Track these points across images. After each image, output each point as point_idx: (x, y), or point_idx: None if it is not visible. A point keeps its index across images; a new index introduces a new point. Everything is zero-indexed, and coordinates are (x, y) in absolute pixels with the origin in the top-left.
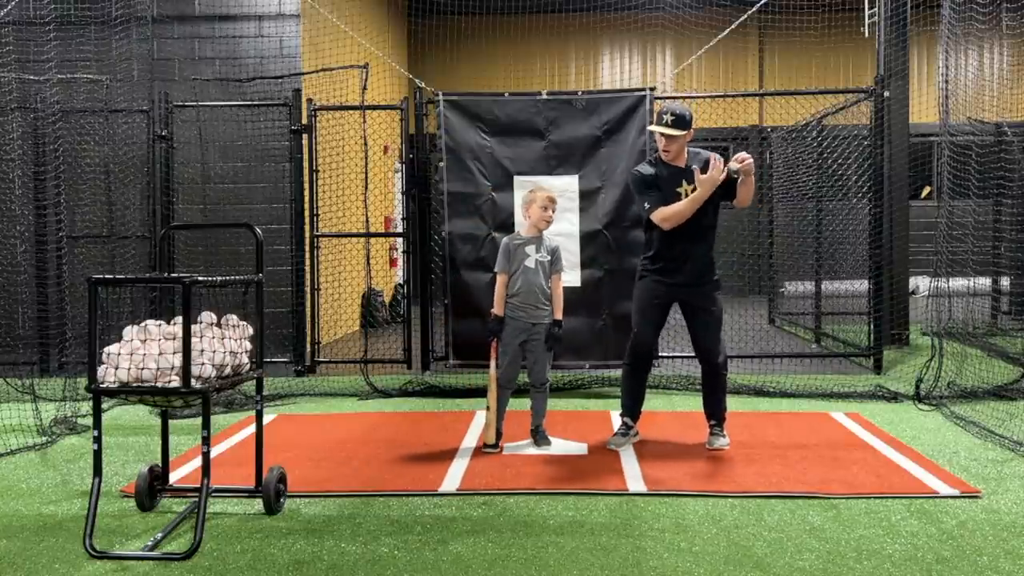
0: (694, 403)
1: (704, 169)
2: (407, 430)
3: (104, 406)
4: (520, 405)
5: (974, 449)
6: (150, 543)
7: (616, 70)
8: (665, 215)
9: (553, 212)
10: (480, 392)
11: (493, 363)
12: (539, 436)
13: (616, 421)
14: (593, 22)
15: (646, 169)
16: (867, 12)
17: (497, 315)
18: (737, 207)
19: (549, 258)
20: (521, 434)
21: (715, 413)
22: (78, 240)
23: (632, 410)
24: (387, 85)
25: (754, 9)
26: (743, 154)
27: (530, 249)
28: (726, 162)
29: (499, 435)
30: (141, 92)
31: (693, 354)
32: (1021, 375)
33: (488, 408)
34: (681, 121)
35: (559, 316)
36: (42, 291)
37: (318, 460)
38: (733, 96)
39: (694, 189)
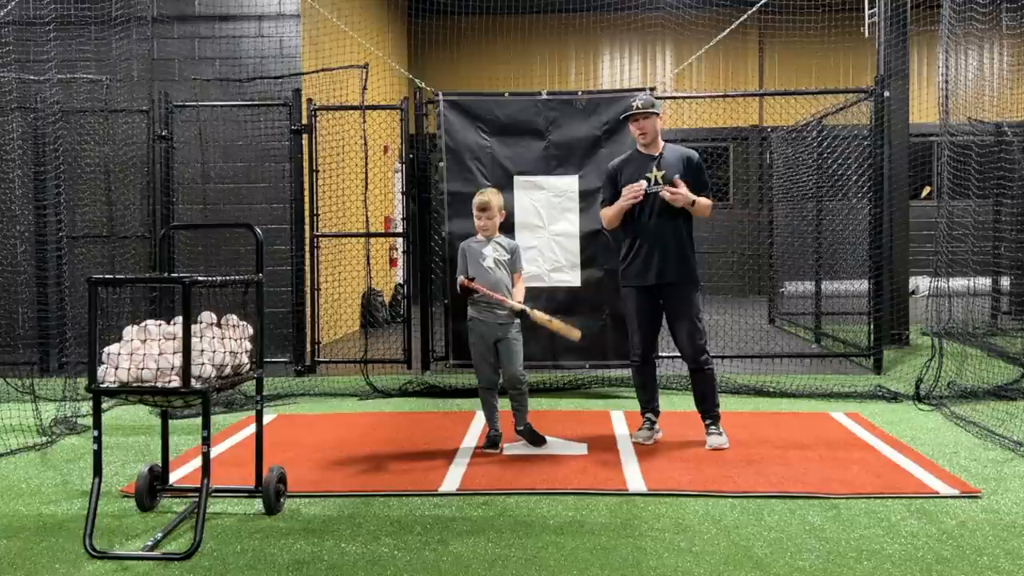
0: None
1: (680, 168)
2: (407, 430)
3: (104, 406)
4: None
5: (974, 449)
6: (150, 543)
7: (616, 70)
8: (603, 215)
9: (488, 220)
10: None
11: (494, 296)
12: (529, 435)
13: (616, 421)
14: (593, 22)
15: (614, 162)
16: (867, 12)
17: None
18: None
19: (509, 256)
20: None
21: (708, 412)
22: (78, 240)
23: (649, 404)
24: (387, 85)
25: (754, 9)
26: (675, 191)
27: (487, 250)
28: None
29: (499, 436)
30: (141, 92)
31: None
32: (1021, 375)
33: (550, 320)
34: (651, 103)
35: (519, 305)
36: (42, 291)
37: (318, 460)
38: (733, 96)
39: (663, 175)
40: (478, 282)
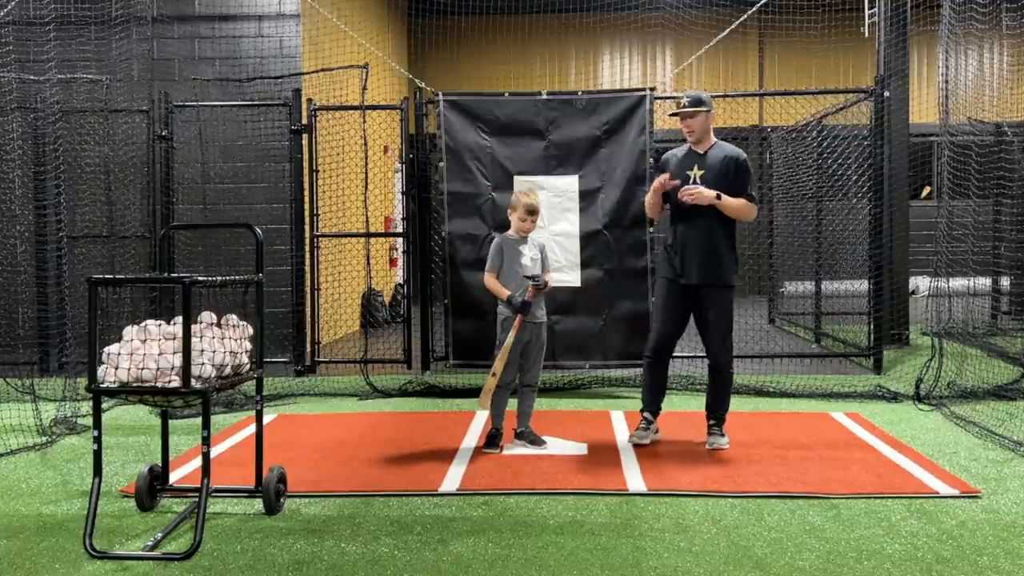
0: (694, 403)
1: (719, 169)
2: (407, 430)
3: (104, 406)
4: (512, 404)
5: (974, 449)
6: (150, 543)
7: (616, 70)
8: (646, 201)
9: (533, 223)
10: (479, 392)
11: (513, 333)
12: (531, 437)
13: (616, 421)
14: (593, 22)
15: (666, 154)
16: (867, 12)
17: (507, 296)
18: None
19: (540, 256)
20: None
21: (715, 412)
22: (78, 240)
23: (651, 404)
24: (387, 85)
25: (754, 9)
26: (690, 190)
27: (524, 248)
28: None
29: (500, 435)
30: (141, 92)
31: (693, 354)
32: (1021, 375)
33: (493, 374)
34: (697, 101)
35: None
36: (42, 291)
37: (318, 460)
38: (733, 96)
39: (703, 174)
40: (514, 279)
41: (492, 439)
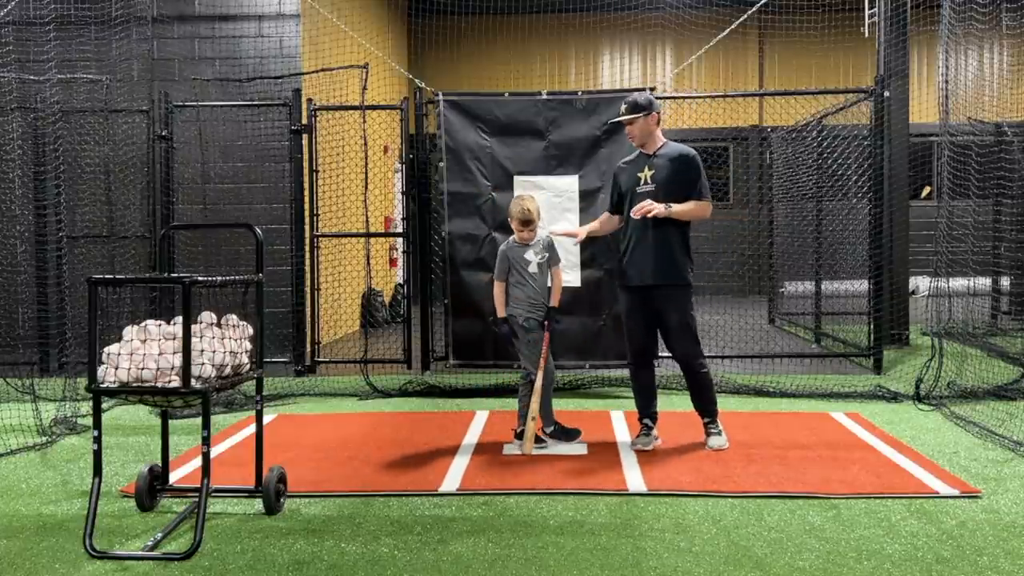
0: None
1: (670, 168)
2: (407, 430)
3: (104, 406)
4: (512, 405)
5: (974, 449)
6: (150, 543)
7: (616, 70)
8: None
9: (531, 232)
10: (479, 392)
11: (541, 374)
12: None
13: (616, 421)
14: (593, 22)
15: (619, 163)
16: (867, 12)
17: (502, 316)
18: None
19: (547, 255)
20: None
21: (705, 410)
22: (78, 240)
23: (645, 409)
24: (387, 85)
25: (754, 9)
26: (644, 206)
27: (529, 255)
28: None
29: (567, 429)
30: (141, 92)
31: None
32: (1021, 375)
33: (533, 418)
34: (633, 107)
35: (556, 304)
36: (42, 291)
37: (318, 460)
38: (733, 96)
39: (653, 174)
40: (521, 289)
41: (569, 433)
